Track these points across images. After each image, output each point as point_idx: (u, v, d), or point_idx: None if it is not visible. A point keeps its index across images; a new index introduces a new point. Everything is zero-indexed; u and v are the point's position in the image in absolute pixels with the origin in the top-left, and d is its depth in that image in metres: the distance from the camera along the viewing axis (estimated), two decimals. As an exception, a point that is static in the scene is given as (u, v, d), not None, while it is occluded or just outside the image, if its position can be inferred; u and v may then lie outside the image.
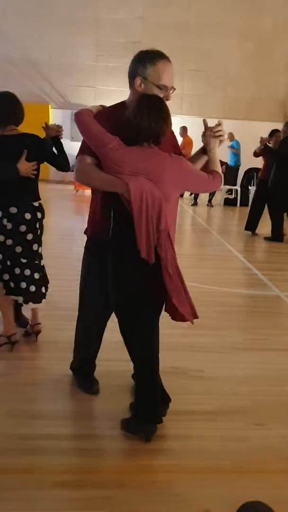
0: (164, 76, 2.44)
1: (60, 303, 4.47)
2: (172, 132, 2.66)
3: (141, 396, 2.61)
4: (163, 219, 2.35)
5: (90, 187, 2.57)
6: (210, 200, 12.80)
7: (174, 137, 2.75)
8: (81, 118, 2.45)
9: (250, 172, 13.00)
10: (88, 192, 13.45)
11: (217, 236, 8.67)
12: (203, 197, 12.78)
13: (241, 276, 6.18)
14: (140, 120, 2.30)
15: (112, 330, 3.91)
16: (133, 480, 2.26)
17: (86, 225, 2.80)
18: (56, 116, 15.32)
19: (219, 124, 2.59)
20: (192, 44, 14.92)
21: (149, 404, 2.57)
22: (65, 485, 2.19)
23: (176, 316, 2.53)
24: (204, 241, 8.51)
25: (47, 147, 3.47)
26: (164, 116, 2.35)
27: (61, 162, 3.52)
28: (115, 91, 15.32)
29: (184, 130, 12.97)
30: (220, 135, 2.58)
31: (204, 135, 2.59)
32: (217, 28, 14.86)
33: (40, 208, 3.50)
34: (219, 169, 2.58)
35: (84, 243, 2.86)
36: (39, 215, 3.47)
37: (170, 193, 2.40)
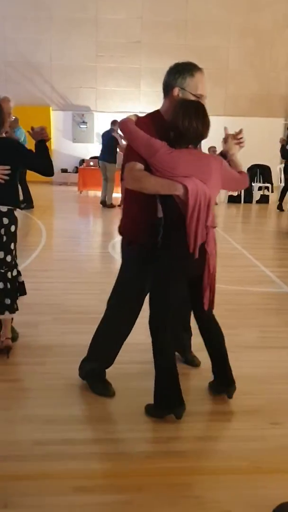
0: (200, 86, 2.67)
1: (66, 306, 4.48)
2: None
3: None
4: (211, 216, 2.57)
5: (144, 192, 2.59)
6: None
7: None
8: (127, 127, 2.60)
9: (253, 168, 12.97)
10: (92, 193, 13.49)
11: (222, 234, 8.64)
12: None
13: (249, 274, 6.15)
14: (188, 123, 2.48)
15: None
16: (152, 483, 2.25)
17: (122, 227, 2.88)
18: (57, 118, 15.37)
19: (240, 132, 2.83)
20: (191, 42, 14.89)
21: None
22: (85, 490, 2.19)
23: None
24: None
25: (24, 152, 3.33)
26: (207, 120, 2.55)
27: (41, 166, 3.34)
28: (116, 92, 15.37)
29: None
30: (241, 142, 2.81)
31: (225, 141, 2.80)
32: (216, 25, 14.84)
33: (8, 214, 3.33)
34: (241, 169, 2.85)
35: (121, 246, 2.93)
36: (5, 220, 3.31)
37: (215, 191, 2.62)
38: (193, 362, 3.41)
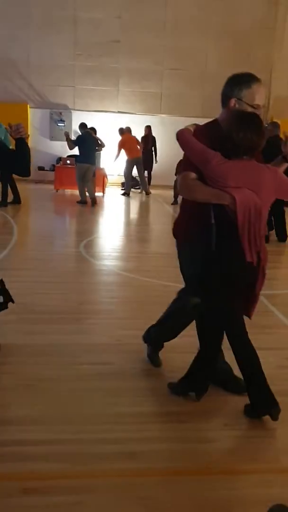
0: (257, 96, 2.71)
1: (34, 305, 4.45)
2: None
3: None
4: (263, 225, 2.64)
5: (195, 200, 2.69)
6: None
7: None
8: (183, 137, 2.68)
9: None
10: (68, 192, 13.41)
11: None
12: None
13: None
14: (243, 135, 2.52)
15: (86, 332, 3.90)
16: (102, 484, 2.25)
17: (176, 230, 3.07)
18: (35, 116, 15.26)
19: None
20: (170, 43, 14.92)
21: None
22: (34, 492, 2.18)
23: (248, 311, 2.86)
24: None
25: (4, 151, 3.30)
26: (262, 131, 2.59)
27: (18, 167, 3.27)
28: (94, 90, 15.33)
29: (148, 128, 13.46)
30: None
31: (285, 145, 2.84)
32: (194, 26, 14.89)
33: None
34: None
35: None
36: None
37: (267, 201, 2.65)
38: (238, 386, 3.13)
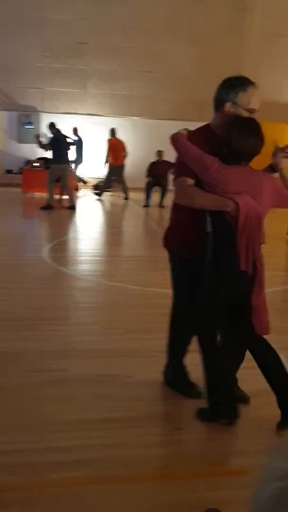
0: (253, 100, 2.65)
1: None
2: None
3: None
4: (262, 233, 2.58)
5: (195, 208, 2.62)
6: (161, 202, 12.82)
7: None
8: (179, 142, 2.61)
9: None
10: (37, 195, 13.25)
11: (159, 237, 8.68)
12: (155, 198, 12.78)
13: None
14: (244, 141, 2.49)
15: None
16: (41, 496, 2.21)
17: (168, 241, 2.94)
18: (3, 118, 15.10)
19: None
20: (139, 46, 14.92)
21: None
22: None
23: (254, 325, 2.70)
24: (152, 243, 8.49)
25: None
26: (262, 136, 2.55)
27: None
28: (63, 93, 15.24)
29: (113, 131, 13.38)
30: None
31: (274, 155, 2.81)
32: (164, 30, 14.92)
33: None
34: None
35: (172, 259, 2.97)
36: None
37: (266, 207, 2.60)
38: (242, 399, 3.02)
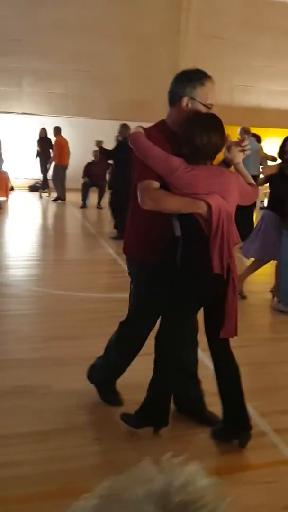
0: (210, 95, 2.53)
1: None
2: None
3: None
4: (235, 233, 2.50)
5: (164, 212, 2.45)
6: (99, 202, 12.72)
7: None
8: (140, 143, 2.45)
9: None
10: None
11: (99, 240, 8.61)
12: (92, 199, 12.66)
13: (115, 280, 6.12)
14: (207, 139, 2.37)
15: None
16: None
17: (129, 247, 2.76)
18: None
19: (243, 139, 2.70)
20: (73, 44, 14.72)
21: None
22: None
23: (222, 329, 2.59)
24: (85, 245, 8.41)
25: None
26: (224, 132, 2.46)
27: None
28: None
29: (57, 130, 13.16)
30: (246, 150, 2.66)
31: (229, 149, 2.65)
32: (99, 28, 14.81)
33: None
34: (251, 180, 2.71)
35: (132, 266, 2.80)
36: None
37: (234, 206, 2.54)
38: (210, 420, 2.88)
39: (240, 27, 15.79)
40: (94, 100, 15.46)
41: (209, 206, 2.37)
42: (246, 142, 2.66)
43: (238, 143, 2.64)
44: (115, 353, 2.99)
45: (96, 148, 11.32)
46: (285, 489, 2.38)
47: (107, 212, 12.40)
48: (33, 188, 14.72)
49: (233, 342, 2.63)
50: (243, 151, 2.64)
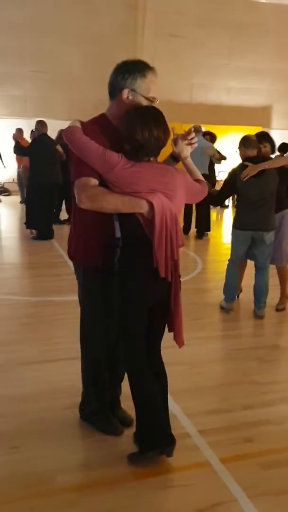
0: (153, 87, 2.38)
1: None
2: None
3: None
4: (180, 235, 2.34)
5: (103, 211, 2.27)
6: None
7: None
8: (75, 138, 2.26)
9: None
10: None
11: (53, 242, 8.47)
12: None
13: (63, 283, 6.02)
14: (149, 134, 2.22)
15: None
16: None
17: (73, 251, 2.59)
18: None
19: (190, 131, 2.48)
20: (30, 45, 14.54)
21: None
22: None
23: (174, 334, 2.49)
24: (37, 249, 8.22)
25: None
26: (167, 126, 2.30)
27: None
28: None
29: (20, 132, 12.85)
30: (193, 142, 2.49)
31: (175, 143, 2.48)
32: (54, 28, 14.65)
33: None
34: (200, 176, 2.57)
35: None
36: None
37: (180, 206, 2.40)
38: (125, 420, 2.83)
39: (197, 25, 15.83)
40: (53, 101, 15.29)
41: (152, 206, 2.22)
42: (192, 135, 2.47)
43: (185, 136, 2.46)
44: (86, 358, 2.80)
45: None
46: (198, 493, 2.33)
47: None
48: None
49: (169, 342, 2.52)
50: (190, 144, 2.47)
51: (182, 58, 15.97)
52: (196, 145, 2.52)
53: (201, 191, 2.54)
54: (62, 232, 8.85)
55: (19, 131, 9.97)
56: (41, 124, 8.71)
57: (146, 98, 2.36)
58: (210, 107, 16.61)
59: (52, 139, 8.88)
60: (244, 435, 2.78)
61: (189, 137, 2.47)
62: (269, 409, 3.08)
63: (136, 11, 15.35)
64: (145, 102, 2.36)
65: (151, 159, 2.32)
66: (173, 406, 2.92)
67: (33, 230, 8.74)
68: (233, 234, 4.82)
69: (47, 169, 8.43)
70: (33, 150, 8.60)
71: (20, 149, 9.12)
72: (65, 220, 9.58)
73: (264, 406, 3.10)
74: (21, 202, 12.70)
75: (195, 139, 2.49)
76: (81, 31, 14.95)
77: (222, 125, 15.70)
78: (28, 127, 14.72)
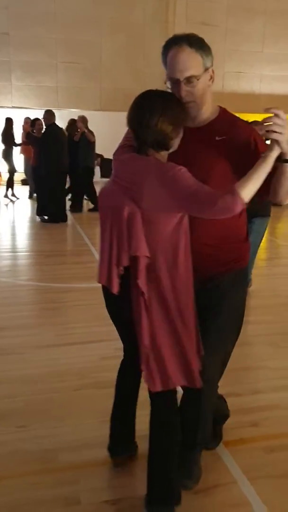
0: (171, 66, 1.92)
1: None
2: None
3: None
4: (135, 242, 1.84)
5: None
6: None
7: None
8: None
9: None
10: None
11: (79, 230, 8.55)
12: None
13: (84, 270, 6.08)
14: (129, 118, 1.93)
15: None
16: None
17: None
18: None
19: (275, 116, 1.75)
20: (62, 36, 14.65)
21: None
22: None
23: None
24: (61, 237, 8.30)
25: None
26: (153, 111, 1.84)
27: None
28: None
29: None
30: (272, 131, 1.75)
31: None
32: (86, 19, 14.70)
33: None
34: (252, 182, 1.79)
35: None
36: None
37: (151, 211, 1.83)
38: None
39: (229, 12, 15.60)
40: (83, 92, 15.38)
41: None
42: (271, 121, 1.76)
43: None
44: None
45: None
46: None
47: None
48: (25, 182, 14.69)
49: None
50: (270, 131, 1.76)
51: (214, 46, 14.83)
52: (272, 133, 1.76)
53: (210, 201, 1.77)
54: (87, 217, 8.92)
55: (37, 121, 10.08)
56: (50, 114, 9.03)
57: (170, 80, 1.96)
58: (242, 96, 16.36)
59: (61, 128, 9.31)
60: (251, 419, 2.76)
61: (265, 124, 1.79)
62: (279, 395, 3.04)
63: (167, 0, 15.23)
64: (172, 86, 1.97)
65: (148, 152, 1.89)
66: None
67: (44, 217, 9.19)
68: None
69: (60, 156, 8.93)
70: (46, 139, 8.95)
71: (33, 138, 9.47)
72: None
73: (274, 391, 3.07)
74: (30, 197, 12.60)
75: (276, 127, 1.75)
76: (112, 21, 14.96)
77: (255, 113, 15.45)
78: (58, 117, 14.89)
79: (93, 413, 2.79)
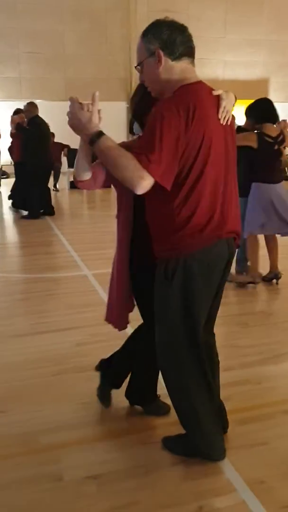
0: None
1: None
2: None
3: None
4: None
5: None
6: (55, 185, 12.63)
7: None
8: None
9: (93, 153, 12.99)
10: None
11: (48, 221, 8.56)
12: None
13: (54, 260, 6.14)
14: None
15: None
16: None
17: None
18: None
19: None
20: (23, 26, 14.48)
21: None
22: None
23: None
24: (32, 228, 8.29)
25: None
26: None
27: None
28: None
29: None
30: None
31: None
32: (47, 7, 14.56)
33: None
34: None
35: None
36: None
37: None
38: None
39: (191, -1, 15.68)
40: (47, 82, 15.26)
41: None
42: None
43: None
44: None
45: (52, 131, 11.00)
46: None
47: (63, 194, 12.35)
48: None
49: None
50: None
51: (176, 33, 15.76)
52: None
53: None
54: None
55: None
56: (32, 106, 8.69)
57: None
58: (207, 82, 16.43)
59: (44, 120, 8.80)
60: (223, 394, 2.86)
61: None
62: (248, 370, 3.17)
63: (128, -12, 15.21)
64: None
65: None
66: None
67: (21, 211, 9.00)
68: None
69: (44, 150, 8.62)
70: (31, 132, 8.61)
71: (23, 129, 8.86)
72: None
73: (243, 367, 3.20)
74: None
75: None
76: (74, 9, 14.85)
77: (219, 100, 15.60)
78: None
79: (72, 395, 2.87)
